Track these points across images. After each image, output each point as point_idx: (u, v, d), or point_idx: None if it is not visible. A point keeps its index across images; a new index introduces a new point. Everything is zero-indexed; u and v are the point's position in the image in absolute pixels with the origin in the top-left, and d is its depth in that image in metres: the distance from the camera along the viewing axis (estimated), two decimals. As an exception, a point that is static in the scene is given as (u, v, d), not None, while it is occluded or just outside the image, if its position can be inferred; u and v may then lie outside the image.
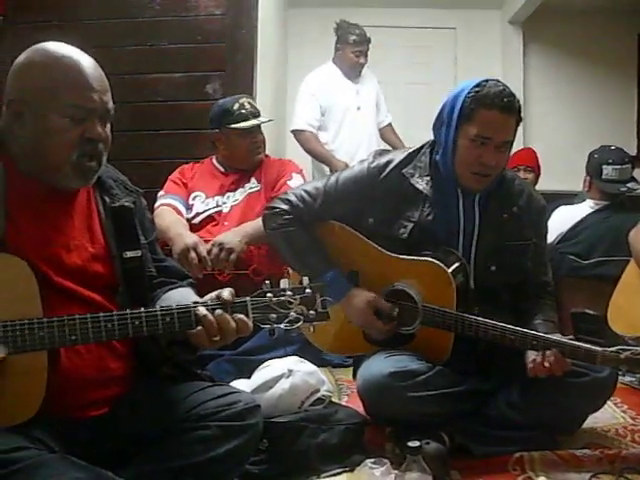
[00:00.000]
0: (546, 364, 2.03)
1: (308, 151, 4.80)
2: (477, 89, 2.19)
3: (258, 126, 3.33)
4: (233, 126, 3.28)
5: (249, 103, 3.34)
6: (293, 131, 4.80)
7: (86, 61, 1.69)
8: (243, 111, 3.29)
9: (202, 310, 1.62)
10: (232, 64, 4.07)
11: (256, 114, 3.32)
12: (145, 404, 1.73)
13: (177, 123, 4.09)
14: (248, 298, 1.66)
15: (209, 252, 2.94)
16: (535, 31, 6.52)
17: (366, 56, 4.85)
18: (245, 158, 3.35)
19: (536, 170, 4.56)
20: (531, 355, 2.10)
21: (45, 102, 1.64)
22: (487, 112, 2.17)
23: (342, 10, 6.35)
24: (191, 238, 3.00)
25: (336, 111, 4.79)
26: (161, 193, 3.33)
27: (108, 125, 1.73)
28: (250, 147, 3.33)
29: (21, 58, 1.69)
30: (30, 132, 1.65)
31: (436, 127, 2.32)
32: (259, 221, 2.62)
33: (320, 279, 1.90)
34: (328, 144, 4.78)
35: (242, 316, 1.64)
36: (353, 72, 4.87)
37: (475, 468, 2.10)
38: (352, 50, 4.79)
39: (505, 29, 6.51)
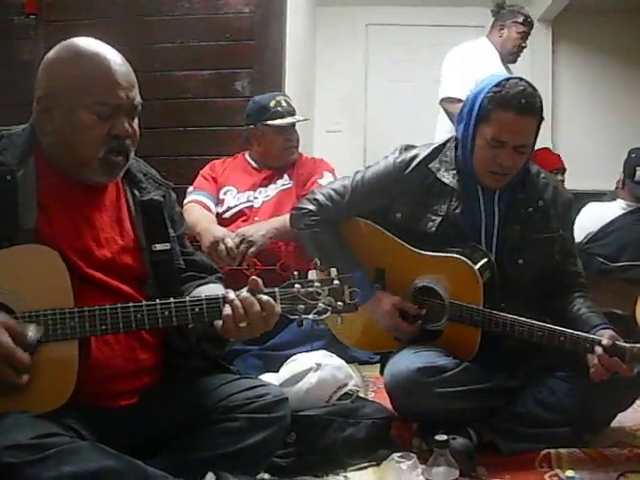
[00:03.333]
0: (606, 367, 2.01)
1: None
2: (496, 89, 2.17)
3: (293, 125, 3.33)
4: (269, 123, 3.28)
5: (285, 101, 3.34)
6: (445, 99, 4.28)
7: (113, 57, 1.71)
8: (279, 109, 3.29)
9: (230, 295, 1.65)
10: (261, 62, 4.09)
11: (292, 112, 3.32)
12: (174, 395, 1.75)
13: (206, 120, 4.11)
14: (277, 288, 1.68)
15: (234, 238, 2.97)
16: (564, 29, 6.47)
17: (526, 40, 4.46)
18: (279, 156, 3.35)
19: (563, 169, 4.57)
20: (591, 359, 2.06)
21: (72, 98, 1.66)
22: (504, 114, 2.15)
23: (370, 8, 6.40)
24: (219, 231, 3.02)
25: None
26: (190, 189, 3.35)
27: (135, 120, 1.75)
28: (285, 145, 3.33)
29: (50, 54, 1.73)
30: (58, 128, 1.68)
31: (457, 123, 2.32)
32: (287, 217, 2.63)
33: None
34: None
35: (268, 298, 1.65)
36: (512, 56, 4.43)
37: (502, 465, 2.09)
38: (518, 30, 4.38)
39: (534, 26, 6.46)
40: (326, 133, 6.12)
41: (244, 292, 1.65)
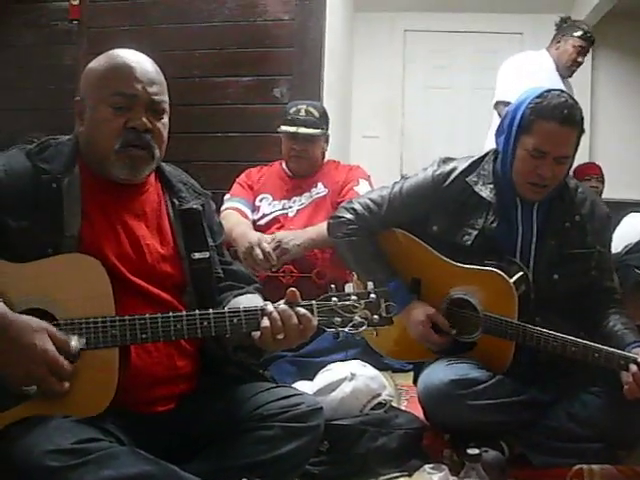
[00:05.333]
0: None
1: None
2: (538, 100, 2.18)
3: (304, 135, 3.31)
4: (280, 128, 3.35)
5: (307, 111, 3.33)
6: (499, 102, 4.28)
7: (139, 57, 1.77)
8: (295, 117, 3.31)
9: (269, 307, 1.67)
10: (299, 69, 4.13)
11: (305, 123, 3.31)
12: (210, 402, 1.77)
13: (245, 126, 4.17)
14: (314, 301, 1.70)
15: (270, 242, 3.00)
16: (604, 36, 6.37)
17: (584, 56, 4.44)
18: (288, 162, 3.40)
19: (603, 179, 4.57)
20: (625, 376, 2.03)
21: (95, 95, 1.73)
22: (546, 124, 2.15)
23: (408, 14, 6.39)
24: (254, 235, 3.06)
25: None
26: (227, 196, 3.40)
27: (163, 121, 1.78)
28: (289, 153, 3.36)
29: (89, 64, 1.79)
30: (86, 127, 1.75)
31: (497, 136, 2.33)
32: (323, 226, 2.65)
33: None
34: None
35: (306, 311, 1.66)
36: (567, 70, 4.43)
37: (533, 478, 2.10)
38: (574, 44, 4.36)
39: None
40: (362, 138, 6.12)
41: (282, 304, 1.68)
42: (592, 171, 4.72)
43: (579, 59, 4.41)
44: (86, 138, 1.75)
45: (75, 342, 1.54)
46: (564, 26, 4.47)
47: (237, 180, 3.47)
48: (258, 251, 2.96)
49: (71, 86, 3.94)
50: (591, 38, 4.43)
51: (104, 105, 1.71)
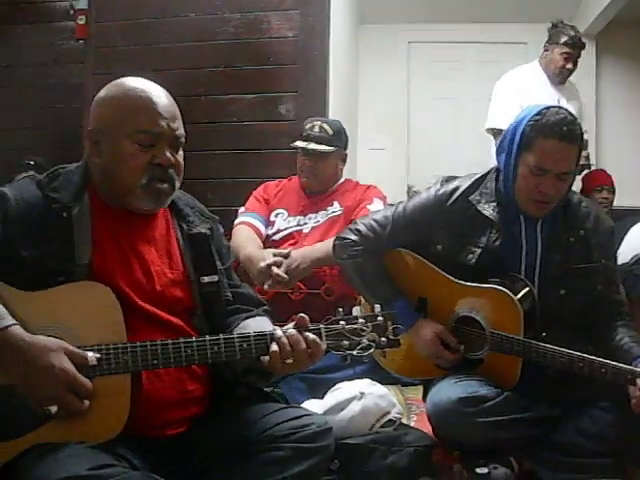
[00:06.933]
0: None
1: None
2: (537, 117, 2.20)
3: (314, 151, 3.31)
4: (295, 143, 3.37)
5: (321, 127, 3.34)
6: (490, 130, 4.31)
7: (156, 91, 1.79)
8: (309, 133, 3.33)
9: (278, 332, 1.69)
10: (305, 85, 4.15)
11: (318, 139, 3.31)
12: (221, 424, 1.78)
13: (251, 143, 4.20)
14: (322, 325, 1.72)
15: (279, 264, 2.99)
16: (609, 44, 6.40)
17: (575, 63, 4.39)
18: (300, 177, 3.41)
19: (614, 189, 4.52)
20: (633, 390, 2.04)
21: (116, 129, 1.74)
22: (546, 141, 2.17)
23: (413, 26, 6.41)
24: (264, 258, 3.03)
25: None
26: (242, 209, 3.41)
27: (180, 152, 1.81)
28: (301, 168, 3.38)
29: (100, 92, 1.82)
30: (105, 159, 1.76)
31: (498, 154, 2.34)
32: (329, 244, 2.66)
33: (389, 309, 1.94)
34: None
35: (314, 336, 1.68)
36: (558, 77, 4.39)
37: (543, 494, 2.10)
38: (561, 51, 4.34)
39: (578, 43, 6.41)
40: (369, 151, 6.14)
41: (290, 329, 1.70)
42: (604, 181, 4.65)
43: (567, 66, 4.32)
44: (105, 170, 1.77)
45: (92, 354, 1.57)
46: (552, 33, 4.42)
47: (253, 194, 3.48)
48: (277, 270, 2.96)
49: (77, 105, 4.00)
50: (578, 43, 4.35)
51: (128, 141, 1.73)
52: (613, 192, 4.62)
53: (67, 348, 1.55)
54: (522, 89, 4.23)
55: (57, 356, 1.53)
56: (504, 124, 3.87)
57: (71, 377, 1.53)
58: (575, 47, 4.35)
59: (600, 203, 4.36)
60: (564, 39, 4.33)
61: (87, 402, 1.56)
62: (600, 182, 4.62)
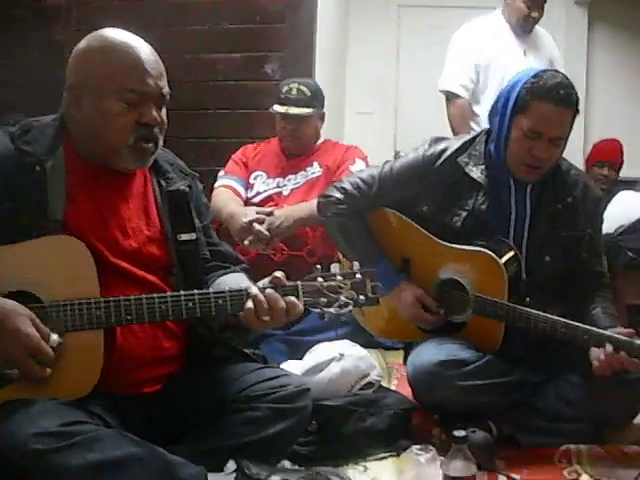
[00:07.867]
0: (610, 362, 1.99)
1: (455, 122, 3.87)
2: (534, 80, 2.16)
3: (294, 115, 3.25)
4: (273, 108, 3.32)
5: (298, 89, 3.27)
6: (442, 92, 3.95)
7: (142, 47, 1.73)
8: (288, 95, 3.27)
9: (254, 289, 1.66)
10: (291, 45, 4.08)
11: (298, 103, 3.26)
12: (197, 383, 1.77)
13: (236, 103, 4.13)
14: (299, 282, 1.69)
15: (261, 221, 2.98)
16: (601, 12, 6.33)
17: (541, 9, 3.85)
18: (283, 141, 3.37)
19: (620, 165, 4.21)
20: (595, 353, 2.03)
21: (102, 86, 1.69)
22: (542, 104, 2.14)
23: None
24: (246, 214, 3.02)
25: (494, 73, 3.77)
26: (221, 173, 3.38)
27: (164, 110, 1.77)
28: (282, 132, 3.33)
29: (81, 44, 1.75)
30: (88, 116, 1.71)
31: (491, 116, 2.31)
32: (313, 204, 2.63)
33: None
34: (480, 117, 3.76)
35: (292, 298, 1.66)
36: (522, 27, 3.86)
37: (521, 458, 2.10)
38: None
39: (569, 10, 6.34)
40: (356, 114, 6.08)
41: (267, 287, 1.67)
42: (609, 156, 4.19)
43: (533, 14, 3.84)
44: (87, 126, 1.72)
45: (56, 337, 1.55)
46: None
47: (232, 157, 3.44)
48: (258, 227, 2.95)
49: (62, 62, 3.89)
50: None
51: (114, 99, 1.68)
52: (617, 170, 4.20)
53: (35, 319, 1.52)
54: (478, 46, 3.84)
55: (23, 321, 1.50)
56: (455, 87, 3.83)
57: (35, 343, 1.50)
58: None
59: (597, 180, 3.93)
60: None
61: (48, 370, 1.53)
62: (604, 157, 4.20)
